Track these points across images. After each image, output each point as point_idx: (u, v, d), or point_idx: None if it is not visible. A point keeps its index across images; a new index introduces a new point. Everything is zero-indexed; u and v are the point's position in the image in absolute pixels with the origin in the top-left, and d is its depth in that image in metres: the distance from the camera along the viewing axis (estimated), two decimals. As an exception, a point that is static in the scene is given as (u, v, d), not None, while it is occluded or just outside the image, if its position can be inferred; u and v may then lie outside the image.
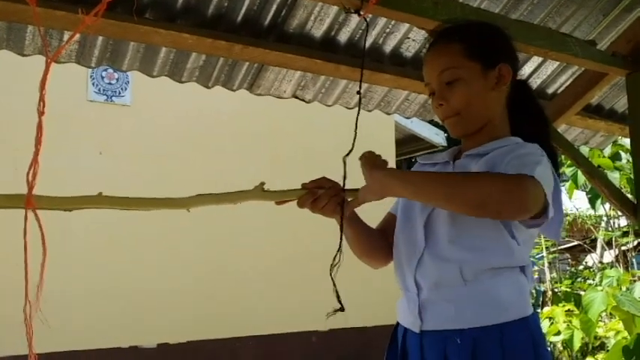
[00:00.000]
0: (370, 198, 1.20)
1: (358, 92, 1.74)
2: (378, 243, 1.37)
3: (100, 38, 1.93)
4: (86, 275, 4.76)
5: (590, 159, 3.44)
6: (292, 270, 5.63)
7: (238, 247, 5.49)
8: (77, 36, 1.90)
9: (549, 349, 5.99)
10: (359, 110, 1.55)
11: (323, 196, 1.23)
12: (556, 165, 1.22)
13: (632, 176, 2.16)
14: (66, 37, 1.87)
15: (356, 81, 2.26)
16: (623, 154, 5.17)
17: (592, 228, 8.25)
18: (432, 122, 6.67)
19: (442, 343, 1.15)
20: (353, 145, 1.29)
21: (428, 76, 1.28)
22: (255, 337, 5.49)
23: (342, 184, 1.26)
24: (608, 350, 4.56)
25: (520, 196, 1.03)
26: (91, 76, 5.16)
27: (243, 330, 5.44)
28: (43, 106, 1.11)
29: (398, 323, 1.30)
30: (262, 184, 1.23)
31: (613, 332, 4.73)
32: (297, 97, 2.39)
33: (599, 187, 2.14)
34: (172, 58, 2.07)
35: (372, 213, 1.47)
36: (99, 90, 5.24)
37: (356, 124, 1.41)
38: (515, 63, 1.29)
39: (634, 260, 7.38)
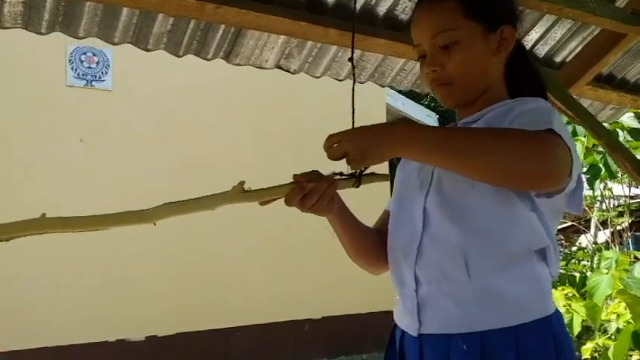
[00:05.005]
0: (371, 158, 0.94)
1: (350, 59, 1.55)
2: (374, 243, 1.16)
3: (50, -1, 1.67)
4: (71, 268, 4.58)
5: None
6: (284, 259, 5.51)
7: (228, 237, 5.34)
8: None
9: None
10: (354, 82, 1.35)
11: (313, 192, 1.00)
12: None
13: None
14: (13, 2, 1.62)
15: (346, 47, 2.03)
16: (620, 133, 5.02)
17: (587, 208, 8.13)
18: (419, 100, 6.55)
19: (445, 350, 0.96)
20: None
21: (419, 37, 1.09)
22: (248, 327, 5.41)
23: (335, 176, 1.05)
24: (608, 334, 4.46)
25: (548, 162, 0.86)
26: (69, 60, 4.95)
27: (234, 320, 5.34)
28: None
29: (396, 324, 1.10)
30: (242, 183, 1.00)
31: (614, 315, 4.61)
32: (281, 68, 2.14)
33: (621, 161, 1.94)
34: (136, 21, 1.81)
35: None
36: (78, 75, 5.02)
37: (352, 101, 1.23)
38: (517, 24, 1.10)
39: (629, 240, 7.28)
